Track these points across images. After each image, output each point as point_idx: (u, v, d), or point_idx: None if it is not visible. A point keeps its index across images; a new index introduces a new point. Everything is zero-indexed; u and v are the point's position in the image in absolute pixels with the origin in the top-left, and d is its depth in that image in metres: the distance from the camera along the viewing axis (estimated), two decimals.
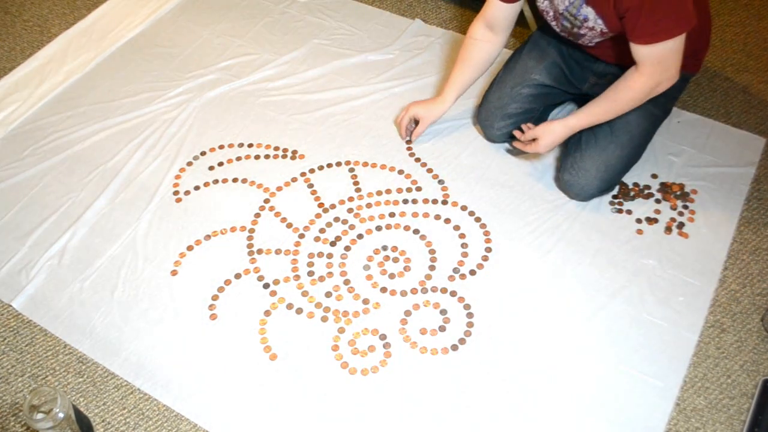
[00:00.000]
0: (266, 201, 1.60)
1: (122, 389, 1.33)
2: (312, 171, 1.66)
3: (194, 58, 1.95)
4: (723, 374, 1.31)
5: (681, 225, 1.51)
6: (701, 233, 1.50)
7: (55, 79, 1.91)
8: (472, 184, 1.61)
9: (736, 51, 1.89)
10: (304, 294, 1.44)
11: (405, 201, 1.59)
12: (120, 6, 2.14)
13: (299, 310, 1.41)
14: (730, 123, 1.70)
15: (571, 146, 1.54)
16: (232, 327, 1.39)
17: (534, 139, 1.49)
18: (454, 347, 1.35)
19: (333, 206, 1.59)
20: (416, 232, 1.53)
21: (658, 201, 1.55)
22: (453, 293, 1.43)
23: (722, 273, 1.44)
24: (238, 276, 1.47)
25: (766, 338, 1.35)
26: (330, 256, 1.50)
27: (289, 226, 1.56)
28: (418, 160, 1.67)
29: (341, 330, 1.38)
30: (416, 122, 1.67)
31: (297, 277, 1.47)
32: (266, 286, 1.45)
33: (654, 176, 1.59)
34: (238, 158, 1.70)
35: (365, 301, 1.42)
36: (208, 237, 1.54)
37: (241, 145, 1.73)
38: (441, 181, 1.62)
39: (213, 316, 1.41)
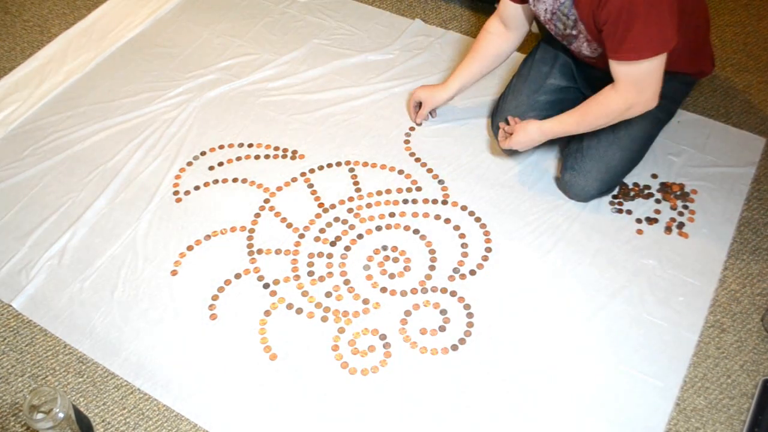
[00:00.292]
0: (266, 201, 1.60)
1: (122, 389, 1.33)
2: (312, 171, 1.66)
3: (194, 58, 1.95)
4: (723, 374, 1.31)
5: (681, 225, 1.51)
6: (701, 233, 1.50)
7: (55, 79, 1.91)
8: (472, 184, 1.61)
9: (736, 51, 1.89)
10: (304, 294, 1.44)
11: (405, 201, 1.59)
12: (120, 6, 2.14)
13: (299, 310, 1.41)
14: (730, 123, 1.70)
15: (572, 146, 1.54)
16: (232, 327, 1.39)
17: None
18: (454, 347, 1.35)
19: (333, 206, 1.59)
20: (416, 232, 1.53)
21: (658, 201, 1.55)
22: (453, 293, 1.43)
23: (722, 273, 1.44)
24: (238, 276, 1.47)
25: (766, 338, 1.35)
26: (330, 256, 1.50)
27: (289, 226, 1.56)
28: (418, 160, 1.67)
29: (341, 330, 1.38)
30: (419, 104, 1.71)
31: (297, 277, 1.47)
32: (266, 286, 1.45)
33: (654, 176, 1.59)
34: (238, 158, 1.70)
35: (365, 301, 1.42)
36: (208, 237, 1.54)
37: (241, 145, 1.73)
38: (441, 181, 1.62)
39: (213, 316, 1.41)
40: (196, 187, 1.64)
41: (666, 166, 1.61)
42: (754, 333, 1.36)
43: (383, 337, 1.37)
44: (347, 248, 1.51)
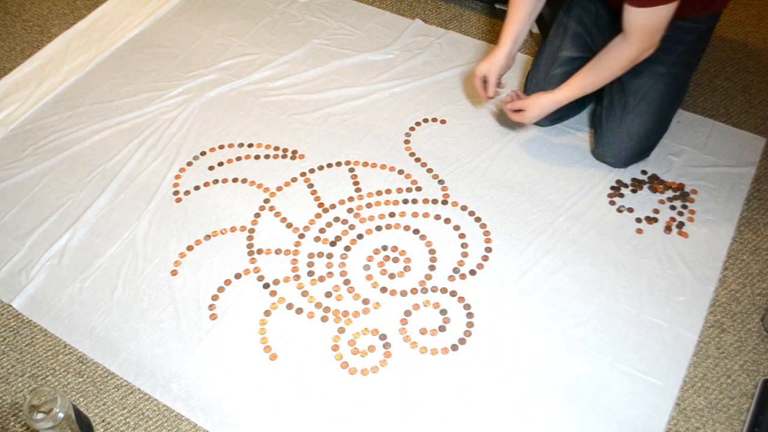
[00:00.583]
0: (266, 201, 1.61)
1: (122, 389, 1.33)
2: (312, 171, 1.66)
3: (194, 58, 1.95)
4: (723, 374, 1.31)
5: (681, 225, 1.51)
6: (701, 233, 1.50)
7: (55, 79, 1.91)
8: (472, 184, 1.61)
9: (736, 51, 1.89)
10: (304, 294, 1.44)
11: (405, 201, 1.59)
12: (120, 6, 2.14)
13: (299, 310, 1.41)
14: (730, 123, 1.71)
15: (596, 122, 1.58)
16: (232, 327, 1.39)
17: (521, 110, 1.53)
18: (454, 347, 1.35)
19: (333, 206, 1.59)
20: (416, 232, 1.53)
21: (653, 190, 1.57)
22: (453, 293, 1.43)
23: (722, 273, 1.44)
24: (238, 276, 1.47)
25: (766, 338, 1.35)
26: (330, 256, 1.50)
27: (289, 226, 1.56)
28: (418, 160, 1.67)
29: (341, 330, 1.38)
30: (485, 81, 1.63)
31: (297, 277, 1.47)
32: (266, 286, 1.45)
33: (644, 172, 1.61)
34: (238, 158, 1.70)
35: (365, 301, 1.42)
36: (208, 237, 1.54)
37: (241, 145, 1.73)
38: (441, 181, 1.62)
39: (213, 316, 1.41)
40: (196, 187, 1.64)
41: (666, 166, 1.61)
42: (754, 333, 1.36)
43: (383, 337, 1.37)
44: (347, 248, 1.51)
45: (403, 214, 1.57)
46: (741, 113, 1.73)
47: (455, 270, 1.46)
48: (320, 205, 1.59)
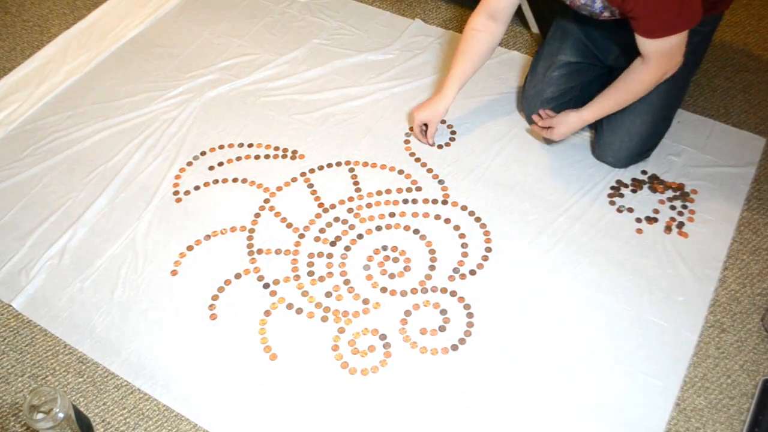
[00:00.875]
0: (266, 201, 1.60)
1: (122, 389, 1.33)
2: (312, 171, 1.66)
3: (194, 58, 1.95)
4: (723, 374, 1.31)
5: (681, 225, 1.51)
6: (701, 233, 1.50)
7: (55, 79, 1.91)
8: (472, 184, 1.61)
9: (736, 51, 1.89)
10: (304, 294, 1.44)
11: (405, 201, 1.59)
12: (120, 6, 2.14)
13: (299, 310, 1.41)
14: (730, 123, 1.70)
15: (596, 122, 1.58)
16: (232, 327, 1.39)
17: (550, 127, 1.56)
18: (454, 347, 1.35)
19: (333, 206, 1.59)
20: (416, 232, 1.53)
21: (653, 190, 1.56)
22: (453, 293, 1.43)
23: (722, 273, 1.44)
24: (238, 276, 1.47)
25: (766, 338, 1.35)
26: (330, 256, 1.50)
27: (289, 226, 1.56)
28: (418, 160, 1.67)
29: (341, 330, 1.38)
30: (425, 125, 1.66)
31: (297, 277, 1.47)
32: (266, 286, 1.45)
33: (644, 172, 1.60)
34: (238, 158, 1.70)
35: (365, 301, 1.42)
36: (208, 237, 1.54)
37: (241, 145, 1.73)
38: (441, 181, 1.62)
39: (213, 316, 1.41)
40: (196, 187, 1.64)
41: (666, 166, 1.61)
42: (754, 333, 1.36)
43: (383, 337, 1.37)
44: (347, 248, 1.51)
45: (403, 214, 1.57)
46: (741, 113, 1.73)
47: (455, 270, 1.46)
48: (320, 205, 1.59)
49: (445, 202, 1.58)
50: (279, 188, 1.63)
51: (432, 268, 1.47)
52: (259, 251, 1.51)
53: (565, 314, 1.38)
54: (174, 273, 1.48)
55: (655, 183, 1.57)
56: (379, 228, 1.54)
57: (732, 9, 2.01)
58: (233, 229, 1.55)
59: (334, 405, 1.28)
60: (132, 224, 1.57)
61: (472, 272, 1.46)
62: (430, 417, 1.26)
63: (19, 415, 1.30)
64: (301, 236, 1.53)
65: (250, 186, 1.64)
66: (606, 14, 1.37)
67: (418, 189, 1.61)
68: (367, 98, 1.81)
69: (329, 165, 1.67)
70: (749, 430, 1.23)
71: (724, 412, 1.26)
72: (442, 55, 1.91)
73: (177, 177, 1.66)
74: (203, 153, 1.71)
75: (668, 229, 1.50)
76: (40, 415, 1.14)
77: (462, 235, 1.52)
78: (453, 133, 1.72)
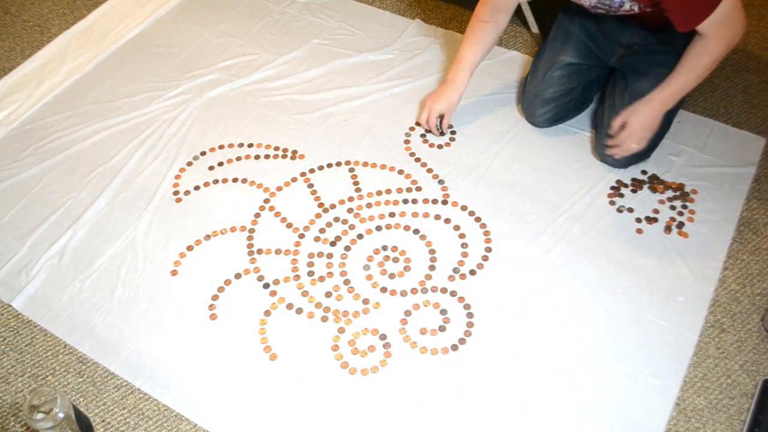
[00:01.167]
0: (266, 201, 1.61)
1: (122, 389, 1.33)
2: (312, 171, 1.66)
3: (194, 58, 1.95)
4: (723, 374, 1.31)
5: (681, 225, 1.51)
6: (701, 233, 1.50)
7: (55, 79, 1.91)
8: (472, 184, 1.61)
9: (736, 51, 1.89)
10: (304, 294, 1.44)
11: (405, 201, 1.59)
12: (120, 6, 2.14)
13: (299, 310, 1.41)
14: (730, 123, 1.70)
15: (597, 122, 1.58)
16: (232, 327, 1.39)
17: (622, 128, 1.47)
18: (454, 347, 1.35)
19: (333, 206, 1.59)
20: (416, 232, 1.53)
21: (653, 190, 1.56)
22: (453, 293, 1.43)
23: (722, 273, 1.44)
24: (238, 276, 1.47)
25: (766, 338, 1.35)
26: (330, 256, 1.50)
27: (289, 226, 1.56)
28: (418, 160, 1.67)
29: (341, 330, 1.38)
30: (440, 116, 1.67)
31: (297, 277, 1.47)
32: (266, 286, 1.45)
33: (644, 172, 1.61)
34: (238, 158, 1.70)
35: (365, 301, 1.42)
36: (208, 237, 1.54)
37: (241, 145, 1.73)
38: (441, 181, 1.62)
39: (213, 316, 1.41)
40: (196, 187, 1.64)
41: (666, 166, 1.61)
42: (754, 333, 1.36)
43: (383, 337, 1.37)
44: (347, 248, 1.51)
45: (403, 214, 1.57)
46: (741, 113, 1.73)
47: (455, 270, 1.46)
48: (320, 205, 1.59)
49: (445, 202, 1.58)
50: (279, 188, 1.63)
51: (432, 268, 1.47)
52: (259, 251, 1.51)
53: (565, 314, 1.38)
54: (174, 273, 1.48)
55: (655, 183, 1.57)
56: (379, 228, 1.54)
57: None
58: (233, 229, 1.55)
59: (334, 405, 1.28)
60: (132, 224, 1.57)
61: (472, 272, 1.46)
62: (430, 417, 1.26)
63: (19, 415, 1.30)
64: (301, 236, 1.53)
65: (250, 186, 1.64)
66: (625, 8, 1.36)
67: (418, 189, 1.61)
68: (367, 98, 1.81)
69: (329, 165, 1.67)
70: (749, 430, 1.23)
71: (724, 412, 1.26)
72: (442, 55, 1.91)
73: (177, 177, 1.66)
74: (203, 153, 1.71)
75: (668, 229, 1.50)
76: (40, 415, 1.14)
77: (462, 235, 1.52)
78: (453, 133, 1.72)
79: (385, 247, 1.51)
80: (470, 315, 1.39)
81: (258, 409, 1.28)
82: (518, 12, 1.90)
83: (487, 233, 1.52)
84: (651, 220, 1.52)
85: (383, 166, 1.66)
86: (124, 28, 2.06)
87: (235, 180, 1.65)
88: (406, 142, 1.71)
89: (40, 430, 1.13)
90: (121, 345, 1.38)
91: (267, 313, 1.41)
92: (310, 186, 1.63)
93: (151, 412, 1.30)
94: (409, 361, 1.34)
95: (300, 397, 1.29)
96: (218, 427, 1.26)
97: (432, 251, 1.50)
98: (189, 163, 1.69)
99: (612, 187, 1.58)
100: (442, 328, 1.38)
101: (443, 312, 1.40)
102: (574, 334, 1.35)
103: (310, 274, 1.47)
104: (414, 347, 1.35)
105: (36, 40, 2.05)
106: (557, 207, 1.55)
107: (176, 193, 1.63)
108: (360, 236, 1.53)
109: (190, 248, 1.52)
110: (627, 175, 1.60)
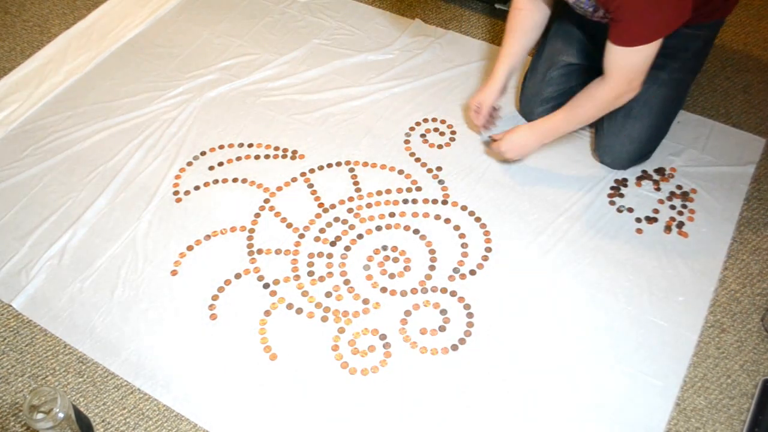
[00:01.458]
0: (266, 201, 1.61)
1: (122, 389, 1.33)
2: (312, 171, 1.66)
3: (194, 58, 1.95)
4: (723, 374, 1.31)
5: (681, 224, 1.51)
6: (701, 233, 1.50)
7: (55, 79, 1.91)
8: (472, 184, 1.61)
9: (736, 51, 1.89)
10: (304, 294, 1.44)
11: (405, 201, 1.59)
12: (120, 6, 2.14)
13: (299, 310, 1.41)
14: (730, 123, 1.71)
15: (596, 123, 1.57)
16: (232, 327, 1.39)
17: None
18: (454, 347, 1.35)
19: (333, 206, 1.59)
20: (416, 232, 1.53)
21: (656, 183, 1.57)
22: (453, 293, 1.43)
23: (722, 273, 1.44)
24: (238, 276, 1.47)
25: (766, 338, 1.35)
26: (330, 256, 1.50)
27: (289, 226, 1.56)
28: (418, 160, 1.67)
29: (341, 330, 1.38)
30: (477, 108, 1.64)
31: (297, 277, 1.47)
32: (266, 286, 1.46)
33: (644, 172, 1.61)
34: (238, 158, 1.70)
35: (365, 301, 1.42)
36: (208, 237, 1.54)
37: (241, 145, 1.73)
38: (441, 181, 1.62)
39: (213, 316, 1.41)
40: (196, 187, 1.64)
41: (666, 166, 1.61)
42: (754, 333, 1.36)
43: (383, 337, 1.37)
44: (347, 248, 1.51)
45: (403, 214, 1.57)
46: (741, 113, 1.73)
47: (455, 270, 1.46)
48: (320, 205, 1.59)
49: (445, 202, 1.58)
50: (279, 188, 1.63)
51: (432, 268, 1.47)
52: (259, 251, 1.51)
53: (565, 314, 1.38)
54: (174, 273, 1.48)
55: (655, 181, 1.57)
56: (379, 228, 1.54)
57: None
58: (233, 229, 1.55)
59: (334, 405, 1.28)
60: (132, 224, 1.57)
61: (472, 272, 1.46)
62: (430, 417, 1.26)
63: (19, 415, 1.30)
64: (301, 236, 1.54)
65: (250, 186, 1.64)
66: (599, 14, 1.37)
67: (418, 189, 1.61)
68: (367, 98, 1.81)
69: (329, 165, 1.67)
70: (749, 430, 1.23)
71: (724, 412, 1.26)
72: (442, 55, 1.91)
73: (177, 177, 1.66)
74: (203, 153, 1.71)
75: (668, 229, 1.50)
76: (40, 415, 1.14)
77: (462, 235, 1.52)
78: (453, 133, 1.72)
79: (385, 247, 1.51)
80: (470, 315, 1.39)
81: (258, 409, 1.28)
82: None
83: (487, 233, 1.52)
84: (651, 220, 1.52)
85: (383, 166, 1.66)
86: (124, 28, 2.06)
87: (235, 180, 1.65)
88: (406, 142, 1.71)
89: (40, 430, 1.13)
90: (121, 345, 1.38)
91: (267, 313, 1.41)
92: (310, 186, 1.63)
93: (151, 412, 1.30)
94: (409, 361, 1.34)
95: (300, 397, 1.29)
96: (218, 427, 1.26)
97: (432, 251, 1.50)
98: (189, 163, 1.69)
99: (612, 187, 1.58)
100: (442, 328, 1.38)
101: (443, 312, 1.40)
102: (574, 334, 1.35)
103: (310, 274, 1.47)
104: (414, 347, 1.35)
105: (36, 40, 2.05)
106: (557, 207, 1.55)
107: (176, 193, 1.63)
108: (360, 236, 1.53)
109: (190, 248, 1.52)
110: (627, 174, 1.59)
